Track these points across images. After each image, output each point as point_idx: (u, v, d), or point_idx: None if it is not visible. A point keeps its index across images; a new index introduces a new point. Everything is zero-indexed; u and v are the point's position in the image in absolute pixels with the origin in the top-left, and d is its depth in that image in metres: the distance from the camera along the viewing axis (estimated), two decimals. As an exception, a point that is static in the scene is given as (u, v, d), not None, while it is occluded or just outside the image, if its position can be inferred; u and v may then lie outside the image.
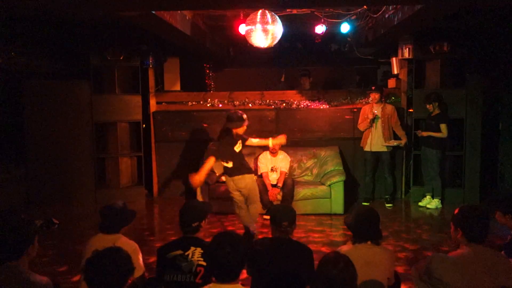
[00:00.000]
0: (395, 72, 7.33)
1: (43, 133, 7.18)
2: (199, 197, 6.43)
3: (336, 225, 6.01)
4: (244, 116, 4.94)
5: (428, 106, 6.59)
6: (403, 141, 6.73)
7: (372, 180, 7.02)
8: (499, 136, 7.60)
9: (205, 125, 7.42)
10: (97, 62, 7.14)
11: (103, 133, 7.46)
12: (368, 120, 6.66)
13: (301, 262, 2.87)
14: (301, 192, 6.38)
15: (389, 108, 6.76)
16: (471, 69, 7.06)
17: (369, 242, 2.71)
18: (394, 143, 6.70)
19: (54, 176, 7.19)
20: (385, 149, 6.74)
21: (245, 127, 4.96)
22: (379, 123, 6.70)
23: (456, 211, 2.59)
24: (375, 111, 6.65)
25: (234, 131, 4.90)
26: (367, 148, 6.81)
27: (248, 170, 5.07)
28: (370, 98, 6.74)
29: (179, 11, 5.39)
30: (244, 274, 2.88)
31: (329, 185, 6.37)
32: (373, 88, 6.80)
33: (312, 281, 2.06)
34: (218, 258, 2.13)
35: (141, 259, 3.03)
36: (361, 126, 6.81)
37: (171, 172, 7.52)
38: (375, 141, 6.72)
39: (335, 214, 6.33)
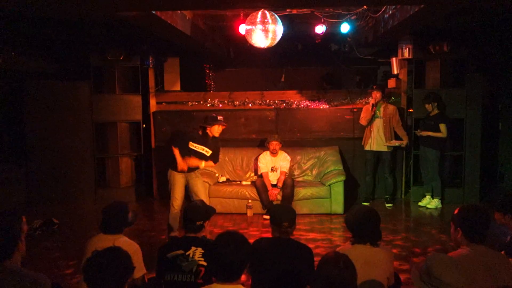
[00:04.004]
0: (395, 72, 7.33)
1: (43, 133, 7.18)
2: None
3: (336, 225, 6.01)
4: (219, 117, 5.17)
5: (427, 105, 6.59)
6: (404, 141, 6.73)
7: (373, 180, 7.02)
8: (499, 136, 7.60)
9: (205, 125, 7.42)
10: (97, 62, 7.15)
11: (103, 133, 7.45)
12: (370, 109, 6.60)
13: (301, 262, 2.87)
14: (301, 192, 6.38)
15: (391, 108, 6.76)
16: (471, 69, 7.06)
17: (367, 244, 2.71)
18: (396, 143, 6.70)
19: (54, 176, 7.20)
20: (386, 149, 6.74)
21: (218, 127, 5.15)
22: (380, 123, 6.70)
23: (456, 211, 2.59)
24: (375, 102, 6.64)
25: (208, 129, 5.12)
26: (367, 147, 6.81)
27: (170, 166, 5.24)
28: (371, 97, 6.72)
29: (179, 11, 5.39)
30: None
31: (329, 185, 6.37)
32: (374, 87, 6.80)
33: (312, 281, 2.06)
34: (221, 257, 2.13)
35: (141, 259, 3.03)
36: (363, 121, 6.76)
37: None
38: (376, 141, 6.72)
39: (335, 214, 6.33)
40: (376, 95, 6.65)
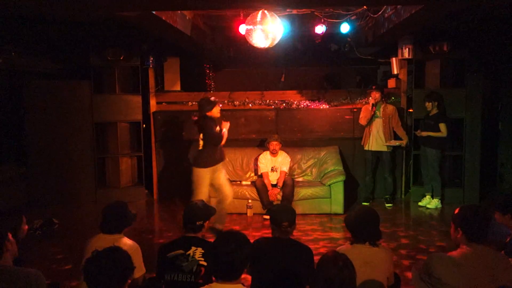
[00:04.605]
0: (395, 72, 7.33)
1: (44, 133, 7.17)
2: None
3: (336, 225, 6.01)
4: (212, 98, 5.22)
5: (427, 103, 6.58)
6: (404, 141, 6.73)
7: (372, 180, 7.02)
8: (499, 136, 7.60)
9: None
10: (97, 62, 7.14)
11: (103, 133, 7.45)
12: (369, 109, 6.60)
13: (300, 262, 2.87)
14: (301, 192, 6.38)
15: (390, 108, 6.76)
16: (471, 69, 7.06)
17: (367, 243, 2.71)
18: (396, 143, 6.70)
19: (55, 176, 7.19)
20: (385, 149, 6.74)
21: (218, 108, 5.19)
22: (380, 123, 6.70)
23: (456, 211, 2.60)
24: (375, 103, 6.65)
25: (209, 114, 5.11)
26: (367, 147, 6.81)
27: (197, 164, 5.15)
28: (370, 97, 6.72)
29: (179, 11, 5.39)
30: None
31: (329, 185, 6.37)
32: (373, 87, 6.80)
33: (312, 281, 2.07)
34: (223, 256, 2.13)
35: (141, 259, 3.04)
36: (363, 120, 6.77)
37: (171, 172, 7.52)
38: (376, 141, 6.73)
39: (335, 214, 6.34)
40: (376, 95, 6.65)
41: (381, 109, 6.71)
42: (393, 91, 7.38)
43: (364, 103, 7.16)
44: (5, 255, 2.33)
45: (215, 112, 5.18)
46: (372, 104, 6.62)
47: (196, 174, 5.15)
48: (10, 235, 2.42)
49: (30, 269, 2.31)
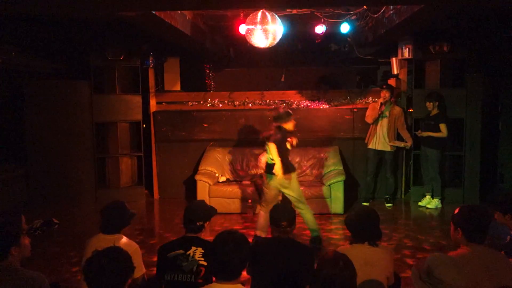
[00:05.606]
0: (395, 72, 7.33)
1: (44, 133, 7.18)
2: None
3: (336, 225, 6.01)
4: (291, 112, 5.14)
5: (428, 103, 6.58)
6: (408, 143, 6.74)
7: (374, 180, 7.02)
8: (499, 136, 7.59)
9: (205, 125, 7.43)
10: (97, 62, 7.14)
11: (103, 133, 7.46)
12: (377, 108, 6.60)
13: (301, 262, 2.87)
14: (301, 192, 6.37)
15: (397, 109, 6.77)
16: (471, 69, 7.06)
17: (366, 243, 2.71)
18: (401, 144, 6.71)
19: (55, 176, 7.20)
20: (389, 149, 6.74)
21: (294, 122, 5.07)
22: (385, 123, 6.70)
23: (456, 211, 2.59)
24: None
25: (284, 126, 5.01)
26: (371, 146, 6.80)
27: (292, 168, 5.13)
28: (381, 96, 6.71)
29: (179, 11, 5.39)
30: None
31: (329, 185, 6.37)
32: (384, 86, 6.80)
33: (312, 281, 2.06)
34: (221, 255, 2.14)
35: (141, 259, 3.04)
36: (369, 118, 6.78)
37: (171, 172, 7.52)
38: (380, 140, 6.72)
39: (335, 214, 6.33)
40: (386, 94, 6.65)
41: (389, 109, 6.71)
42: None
43: (364, 103, 7.16)
44: (11, 255, 2.33)
45: (290, 125, 5.05)
46: (381, 103, 6.62)
47: (292, 178, 5.07)
48: (22, 240, 2.40)
49: (35, 272, 2.31)
